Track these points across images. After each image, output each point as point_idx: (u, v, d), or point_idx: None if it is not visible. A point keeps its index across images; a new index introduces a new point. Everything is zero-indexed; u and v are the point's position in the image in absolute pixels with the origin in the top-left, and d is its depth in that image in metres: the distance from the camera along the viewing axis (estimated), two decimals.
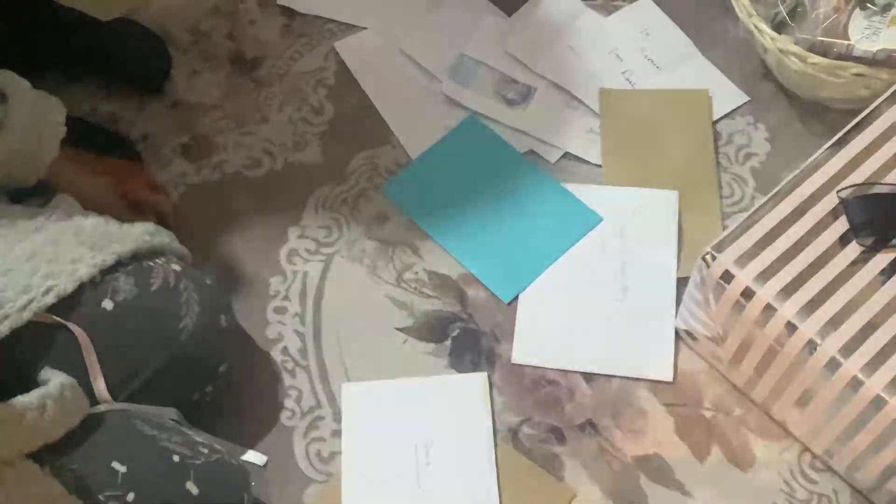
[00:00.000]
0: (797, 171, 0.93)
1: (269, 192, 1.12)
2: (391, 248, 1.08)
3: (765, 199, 0.93)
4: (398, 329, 1.03)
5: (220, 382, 0.91)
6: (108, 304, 0.84)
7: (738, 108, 1.16)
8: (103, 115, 1.16)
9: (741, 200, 1.10)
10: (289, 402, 0.99)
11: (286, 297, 1.05)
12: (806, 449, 0.95)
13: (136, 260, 0.87)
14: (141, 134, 1.16)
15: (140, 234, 0.88)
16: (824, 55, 1.05)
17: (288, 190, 1.12)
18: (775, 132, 1.14)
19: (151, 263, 0.87)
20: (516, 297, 1.04)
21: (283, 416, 0.98)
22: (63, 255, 0.83)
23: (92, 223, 0.87)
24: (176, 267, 0.89)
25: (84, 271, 0.83)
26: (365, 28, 1.24)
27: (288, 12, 1.25)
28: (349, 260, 1.08)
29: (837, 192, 0.90)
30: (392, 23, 1.24)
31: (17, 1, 1.07)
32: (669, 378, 0.99)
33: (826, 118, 1.14)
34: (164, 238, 0.92)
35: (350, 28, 1.24)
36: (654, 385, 0.99)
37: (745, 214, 1.07)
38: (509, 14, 1.24)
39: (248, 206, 1.11)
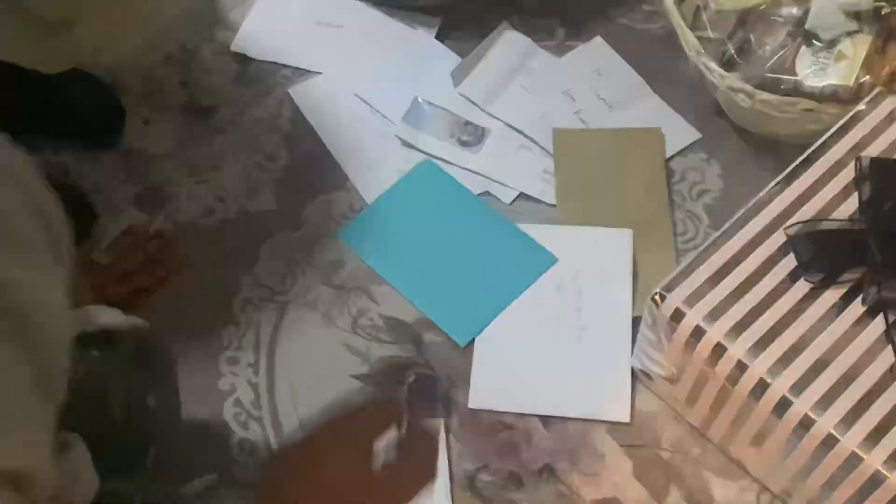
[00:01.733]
0: (745, 209, 0.93)
1: (222, 241, 1.11)
2: (346, 294, 1.07)
3: (715, 236, 0.93)
4: (353, 377, 1.02)
5: (150, 466, 0.88)
6: None
7: (691, 145, 1.17)
8: (55, 166, 1.15)
9: (695, 237, 1.10)
10: (242, 456, 0.97)
11: (239, 348, 1.04)
12: (764, 488, 0.94)
13: None
14: (92, 185, 1.15)
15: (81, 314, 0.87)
16: (773, 91, 1.06)
17: (241, 238, 1.11)
18: (728, 169, 1.15)
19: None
20: (472, 341, 1.03)
21: (236, 470, 0.97)
22: None
23: None
24: (94, 353, 0.88)
25: None
26: (319, 73, 1.24)
27: (242, 59, 1.25)
28: (304, 307, 1.07)
29: (785, 229, 0.90)
30: (346, 67, 1.24)
31: None
32: (627, 419, 0.98)
33: (778, 153, 1.14)
34: (106, 317, 0.91)
35: (304, 73, 1.24)
36: (612, 426, 0.98)
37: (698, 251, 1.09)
38: (462, 56, 1.24)
39: (200, 255, 1.10)
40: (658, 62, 1.23)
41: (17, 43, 1.12)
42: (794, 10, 1.07)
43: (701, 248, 0.91)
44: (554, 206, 1.13)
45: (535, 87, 1.21)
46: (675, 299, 0.88)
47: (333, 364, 1.03)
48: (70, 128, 1.16)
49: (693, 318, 0.87)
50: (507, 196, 1.14)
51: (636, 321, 1.02)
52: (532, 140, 1.17)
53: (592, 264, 1.06)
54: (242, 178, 1.16)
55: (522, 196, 1.14)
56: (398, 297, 1.07)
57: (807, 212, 0.92)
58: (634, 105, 1.20)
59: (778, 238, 0.91)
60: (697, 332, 0.86)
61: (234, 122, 1.20)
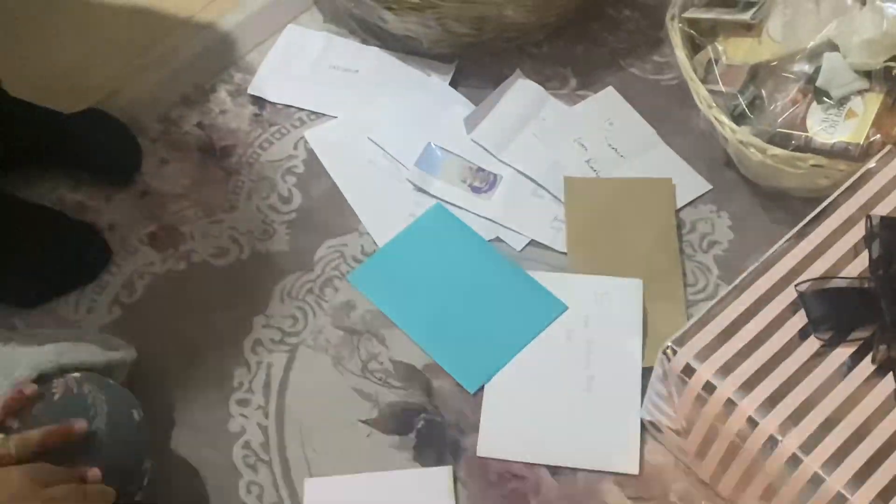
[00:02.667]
0: (757, 264, 0.94)
1: (235, 282, 1.12)
2: (357, 338, 1.08)
3: (726, 290, 0.93)
4: (362, 421, 1.02)
5: (149, 479, 0.89)
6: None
7: (702, 196, 1.18)
8: (71, 204, 1.16)
9: (705, 289, 1.11)
10: (250, 499, 0.97)
11: (249, 389, 1.04)
12: None
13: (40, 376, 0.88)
14: (108, 223, 1.16)
15: (47, 355, 0.88)
16: (783, 146, 1.07)
17: (254, 279, 1.12)
18: (738, 220, 1.16)
19: (53, 378, 0.87)
20: (482, 388, 1.03)
21: None
22: None
23: None
24: (75, 375, 0.89)
25: None
26: (334, 117, 1.25)
27: (258, 101, 1.26)
28: (314, 350, 1.07)
29: (796, 286, 0.91)
30: (360, 111, 1.25)
31: None
32: (635, 471, 0.98)
33: (788, 206, 1.15)
34: (81, 355, 0.92)
35: (319, 117, 1.25)
36: (621, 478, 0.98)
37: (709, 303, 1.09)
38: (475, 103, 1.26)
39: (213, 295, 1.11)
40: (669, 113, 1.24)
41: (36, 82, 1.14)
42: (806, 67, 1.08)
43: (713, 303, 0.92)
44: (564, 253, 1.13)
45: (546, 135, 1.22)
46: (687, 354, 0.88)
47: (343, 408, 1.03)
48: (87, 166, 1.17)
49: (704, 373, 0.87)
50: (518, 243, 1.15)
51: (646, 372, 1.03)
52: (543, 187, 1.18)
53: (602, 313, 1.07)
54: (256, 219, 1.17)
55: (533, 243, 1.15)
56: (408, 342, 1.07)
57: (817, 269, 0.93)
58: (645, 155, 1.21)
59: (789, 294, 0.91)
60: (708, 388, 0.87)
61: (249, 164, 1.21)
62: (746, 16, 1.13)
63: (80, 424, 0.84)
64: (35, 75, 1.26)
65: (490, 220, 1.16)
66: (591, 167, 1.20)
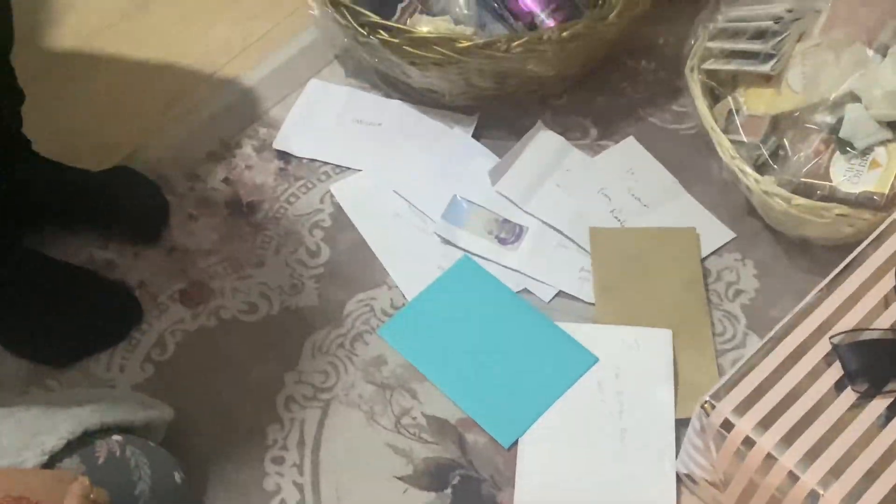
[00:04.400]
0: (789, 316, 0.95)
1: (266, 338, 1.13)
2: (389, 392, 1.08)
3: (760, 343, 0.94)
4: (398, 478, 1.02)
5: None
6: None
7: (725, 244, 1.19)
8: (100, 262, 1.17)
9: (734, 338, 1.11)
10: None
11: (284, 447, 1.04)
12: None
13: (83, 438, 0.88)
14: (138, 281, 1.16)
15: (89, 414, 0.89)
16: (808, 196, 1.08)
17: (285, 334, 1.13)
18: (763, 268, 1.17)
19: (95, 440, 0.88)
20: (516, 442, 1.04)
21: None
22: (10, 445, 0.84)
23: (34, 413, 0.88)
24: (117, 437, 0.89)
25: (33, 461, 0.83)
26: (360, 170, 1.27)
27: (284, 156, 1.28)
28: (347, 405, 1.07)
29: (830, 338, 0.92)
30: (385, 165, 1.27)
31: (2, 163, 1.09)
32: None
33: (811, 254, 1.16)
34: (121, 413, 0.92)
35: (345, 170, 1.27)
36: None
37: (738, 352, 1.11)
38: (498, 154, 1.27)
39: (244, 352, 1.11)
40: (689, 161, 1.26)
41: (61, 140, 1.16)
42: (828, 118, 1.10)
43: (748, 356, 0.93)
44: (592, 304, 1.14)
45: (570, 186, 1.24)
46: (725, 408, 0.89)
47: (378, 464, 1.03)
48: (115, 224, 1.18)
49: (743, 427, 0.88)
50: (546, 294, 1.16)
51: (678, 423, 1.03)
52: (569, 238, 1.19)
53: (633, 365, 1.08)
54: (285, 274, 1.18)
55: (561, 294, 1.16)
56: (440, 396, 1.08)
57: (849, 321, 0.94)
58: (668, 204, 1.22)
59: (823, 346, 0.92)
60: (748, 442, 0.87)
61: (276, 219, 1.22)
62: (766, 67, 1.15)
63: None
64: (60, 134, 1.27)
65: (517, 271, 1.17)
66: (616, 217, 1.21)
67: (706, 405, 0.90)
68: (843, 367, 0.90)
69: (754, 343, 1.10)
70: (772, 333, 0.94)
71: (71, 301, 1.10)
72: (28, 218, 1.13)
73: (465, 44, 1.18)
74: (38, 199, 1.14)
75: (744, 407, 0.89)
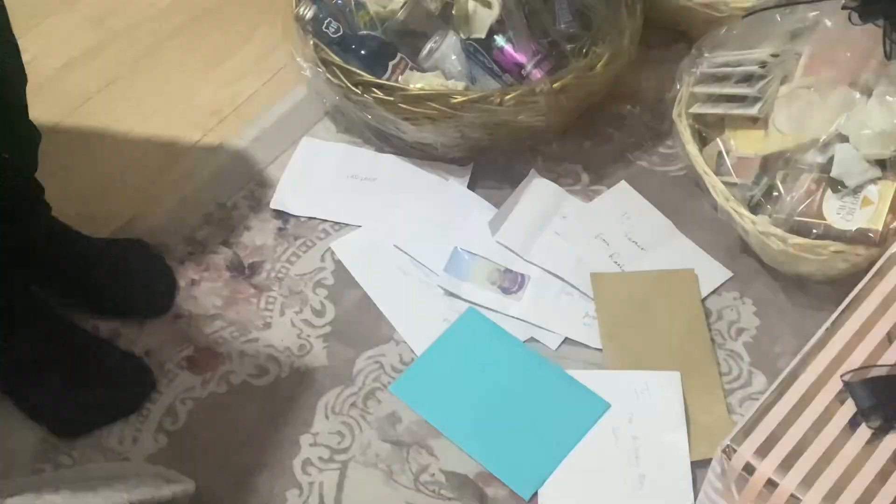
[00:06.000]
0: (799, 356, 0.97)
1: (277, 401, 1.12)
2: (406, 450, 1.09)
3: (769, 384, 0.97)
4: None
5: None
6: None
7: (724, 283, 1.22)
8: (105, 332, 1.16)
9: (739, 377, 1.14)
10: None
11: None
12: None
13: None
14: (144, 349, 1.16)
15: (115, 495, 0.89)
16: (803, 234, 1.11)
17: (296, 397, 1.13)
18: (762, 306, 1.20)
19: None
20: (536, 493, 1.05)
21: None
22: None
23: (64, 497, 0.88)
24: None
25: None
26: (359, 226, 1.27)
27: (282, 215, 1.28)
28: (364, 466, 1.08)
29: (841, 376, 0.94)
30: (383, 219, 1.28)
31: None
32: None
33: (808, 289, 1.19)
34: (148, 492, 0.93)
35: (344, 227, 1.28)
36: None
37: (745, 390, 1.13)
38: (494, 203, 1.29)
39: (257, 416, 1.11)
40: (681, 202, 1.29)
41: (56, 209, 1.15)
42: (818, 158, 1.13)
43: (763, 399, 0.94)
44: (599, 349, 1.16)
45: (568, 233, 1.26)
46: (746, 452, 0.90)
47: None
48: (125, 305, 1.17)
49: (765, 470, 0.89)
50: (553, 342, 1.17)
51: (693, 465, 1.05)
52: (571, 285, 1.21)
53: (645, 409, 1.09)
54: (292, 334, 1.18)
55: (567, 341, 1.17)
56: (457, 451, 1.08)
57: (857, 358, 0.96)
58: (664, 246, 1.25)
59: (835, 385, 0.94)
60: (770, 484, 0.89)
61: (279, 279, 1.22)
62: (754, 110, 1.18)
63: None
64: (53, 204, 1.26)
65: (523, 320, 1.19)
66: (615, 261, 1.23)
67: (727, 449, 0.91)
68: (856, 404, 0.92)
69: (760, 381, 1.13)
70: (783, 375, 0.96)
71: (89, 369, 1.09)
72: (34, 278, 1.13)
73: (460, 99, 1.20)
74: (48, 261, 1.13)
75: (764, 449, 0.91)
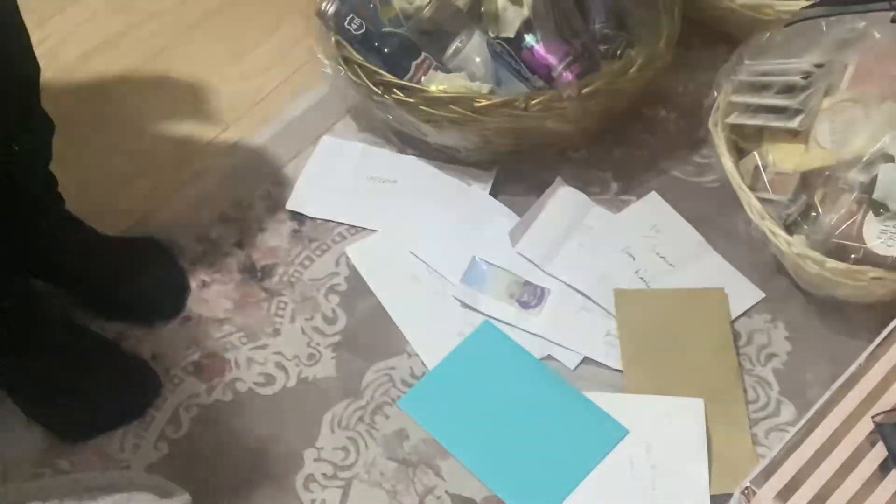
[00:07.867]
0: (829, 393, 0.91)
1: (283, 412, 1.09)
2: (412, 470, 1.05)
3: (797, 418, 0.91)
4: None
5: None
6: None
7: (755, 305, 1.15)
8: (111, 334, 1.14)
9: (766, 406, 1.08)
10: None
11: None
12: None
13: None
14: (150, 353, 1.13)
15: None
16: (840, 258, 1.05)
17: (303, 408, 1.09)
18: (795, 330, 1.13)
19: None
20: None
21: None
22: None
23: None
24: None
25: None
26: (375, 230, 1.23)
27: (297, 217, 1.25)
28: (369, 485, 1.04)
29: (872, 417, 0.88)
30: (401, 224, 1.23)
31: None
32: None
33: (844, 314, 1.13)
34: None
35: (360, 231, 1.24)
36: None
37: (771, 421, 1.07)
38: (517, 211, 1.24)
39: (262, 427, 1.08)
40: (714, 217, 1.23)
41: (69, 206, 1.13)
42: (860, 177, 1.06)
43: (789, 437, 0.89)
44: (620, 371, 1.11)
45: (592, 245, 1.20)
46: (767, 495, 0.85)
47: None
48: (136, 308, 1.15)
49: None
50: (572, 361, 1.12)
51: (714, 499, 1.00)
52: (593, 301, 1.16)
53: (665, 437, 1.04)
54: (301, 342, 1.14)
55: (587, 360, 1.12)
56: (465, 473, 1.04)
57: (891, 397, 0.90)
58: (694, 263, 1.19)
59: (865, 425, 0.89)
60: None
61: (291, 283, 1.19)
62: (794, 123, 1.12)
63: None
64: (67, 198, 1.24)
65: (541, 336, 1.14)
66: (641, 277, 1.18)
67: (747, 491, 0.86)
68: (888, 447, 0.87)
69: (788, 411, 1.07)
70: (811, 413, 0.91)
71: (94, 373, 1.07)
72: (43, 273, 1.11)
73: (483, 103, 1.15)
74: (58, 255, 1.11)
75: (786, 493, 0.85)
